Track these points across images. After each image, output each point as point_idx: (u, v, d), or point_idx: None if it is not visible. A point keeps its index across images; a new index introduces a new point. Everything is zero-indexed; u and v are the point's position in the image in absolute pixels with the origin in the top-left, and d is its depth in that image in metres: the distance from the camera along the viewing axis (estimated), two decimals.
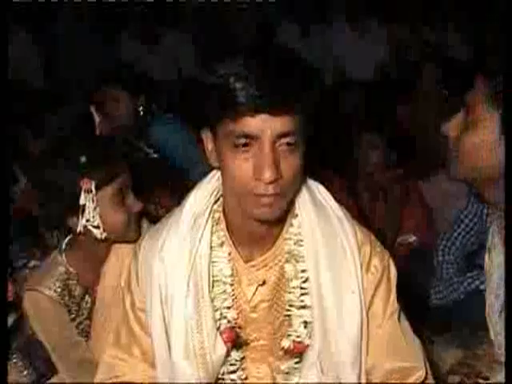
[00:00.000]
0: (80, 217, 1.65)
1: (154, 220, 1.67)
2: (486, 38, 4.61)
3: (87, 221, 1.66)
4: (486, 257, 1.65)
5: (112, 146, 1.81)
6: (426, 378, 1.35)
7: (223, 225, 1.34)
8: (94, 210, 1.65)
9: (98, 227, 1.67)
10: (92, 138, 2.18)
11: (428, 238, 2.65)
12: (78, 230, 1.67)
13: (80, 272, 1.78)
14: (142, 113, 2.85)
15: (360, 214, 1.44)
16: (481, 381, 1.54)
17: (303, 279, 1.33)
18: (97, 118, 2.70)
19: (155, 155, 2.95)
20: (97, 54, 4.37)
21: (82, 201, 1.63)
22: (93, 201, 1.64)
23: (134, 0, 4.55)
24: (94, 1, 4.48)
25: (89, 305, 1.79)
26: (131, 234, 1.74)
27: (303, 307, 1.33)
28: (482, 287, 1.91)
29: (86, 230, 1.68)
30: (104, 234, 1.69)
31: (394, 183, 2.81)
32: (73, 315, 1.78)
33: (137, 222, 1.78)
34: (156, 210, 2.39)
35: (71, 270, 1.77)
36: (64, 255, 1.79)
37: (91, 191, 1.63)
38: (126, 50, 4.66)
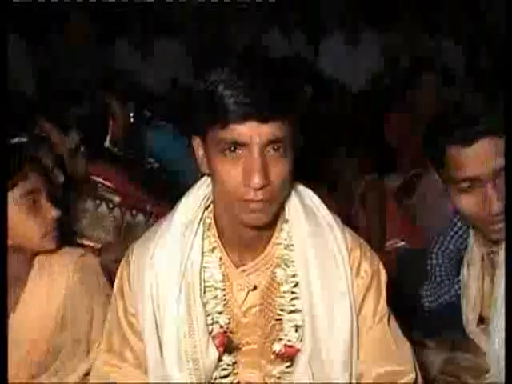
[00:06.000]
0: None
1: None
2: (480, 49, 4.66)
3: None
4: (465, 270, 1.74)
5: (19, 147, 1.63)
6: (415, 381, 1.36)
7: (214, 230, 1.35)
8: None
9: None
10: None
11: (415, 241, 2.66)
12: None
13: None
14: (132, 120, 2.86)
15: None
16: (471, 381, 1.55)
17: (294, 284, 1.34)
18: (111, 121, 2.71)
19: (157, 165, 2.97)
20: (90, 62, 4.40)
21: None
22: None
23: (129, 9, 4.59)
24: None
25: None
26: (47, 243, 1.57)
27: (294, 311, 1.34)
28: None
29: None
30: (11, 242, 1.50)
31: (369, 190, 2.81)
32: None
33: (53, 230, 1.59)
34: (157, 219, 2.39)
35: None
36: None
37: None
38: (120, 59, 4.68)
